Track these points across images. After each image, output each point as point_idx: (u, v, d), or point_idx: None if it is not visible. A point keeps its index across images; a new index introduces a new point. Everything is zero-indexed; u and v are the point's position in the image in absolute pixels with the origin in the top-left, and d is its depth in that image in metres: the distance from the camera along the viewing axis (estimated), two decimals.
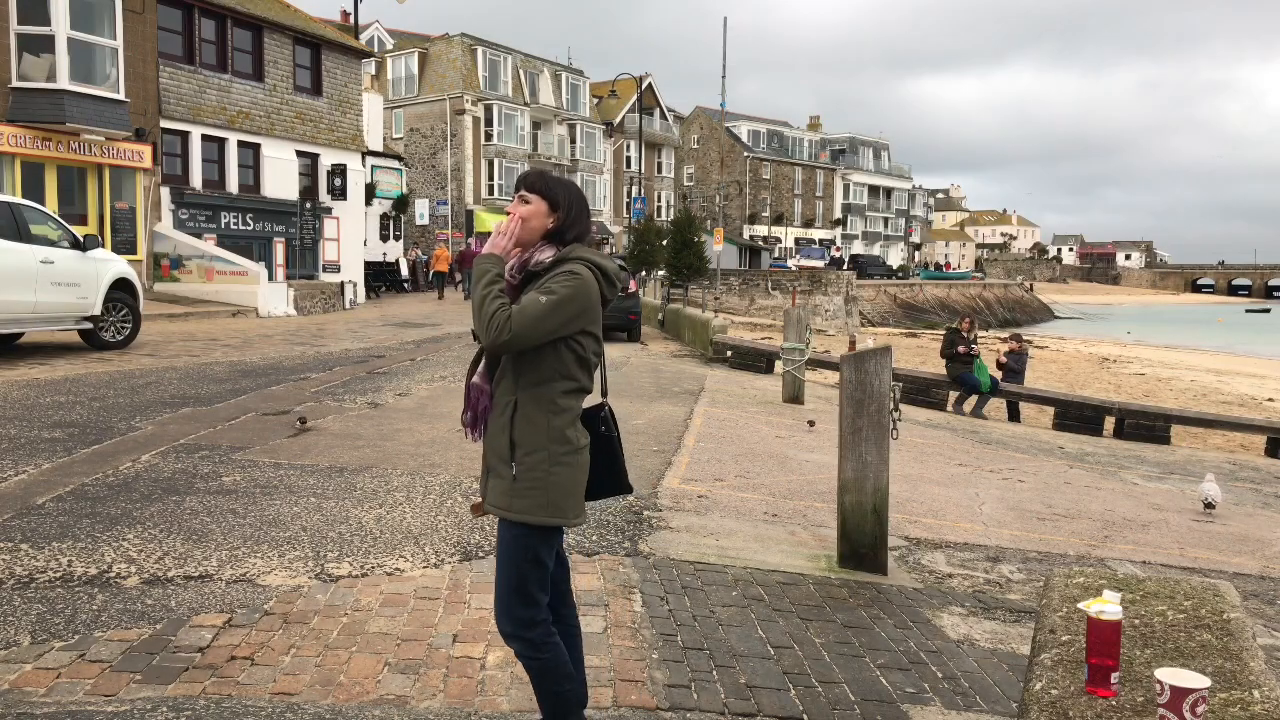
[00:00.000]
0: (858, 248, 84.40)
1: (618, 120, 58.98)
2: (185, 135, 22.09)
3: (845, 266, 60.63)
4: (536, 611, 2.83)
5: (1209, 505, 8.53)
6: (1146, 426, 13.59)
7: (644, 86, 54.03)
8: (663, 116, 65.23)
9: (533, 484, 2.74)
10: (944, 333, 15.99)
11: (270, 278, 21.71)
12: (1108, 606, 2.17)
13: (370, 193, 31.91)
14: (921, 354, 26.65)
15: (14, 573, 4.47)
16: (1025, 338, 17.80)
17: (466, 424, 2.98)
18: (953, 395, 14.85)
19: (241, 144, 23.47)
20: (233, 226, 23.62)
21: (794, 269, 52.96)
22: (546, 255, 2.79)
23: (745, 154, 77.44)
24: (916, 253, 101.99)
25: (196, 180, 22.61)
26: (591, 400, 2.94)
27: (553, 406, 2.74)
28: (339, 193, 26.52)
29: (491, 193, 48.50)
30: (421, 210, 47.20)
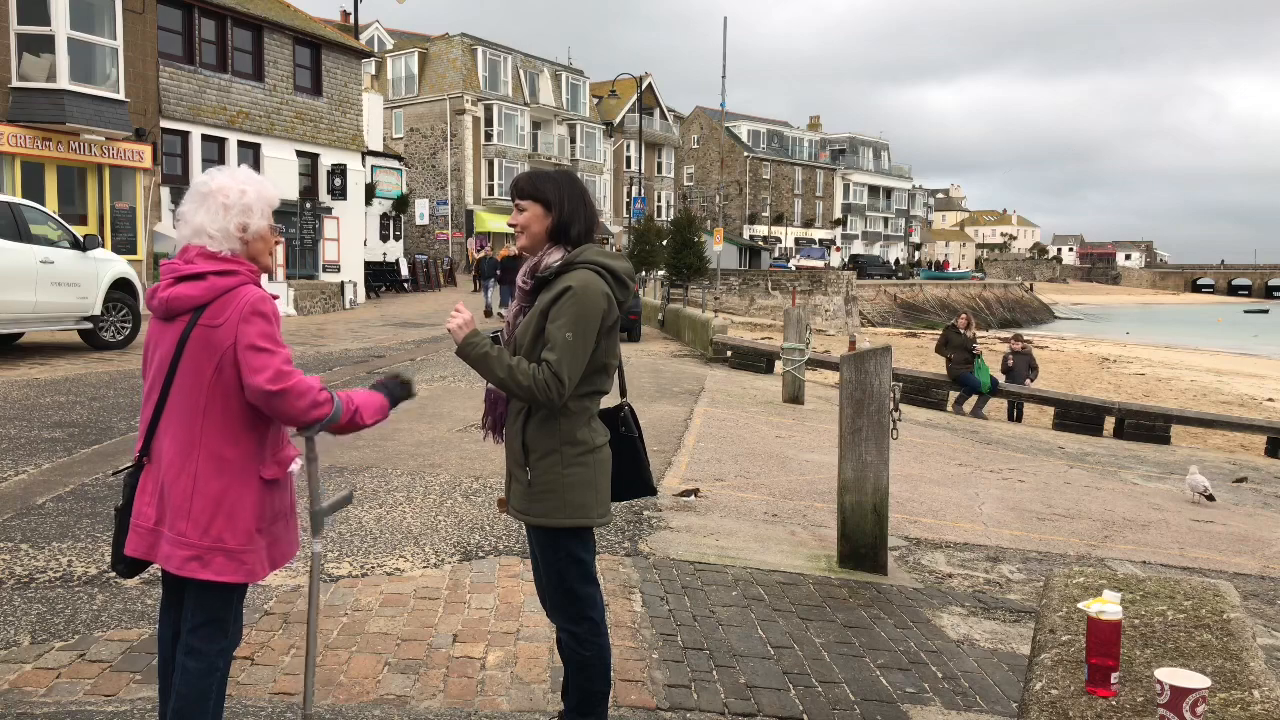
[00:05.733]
0: (858, 248, 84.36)
1: (618, 120, 58.96)
2: (185, 135, 22.07)
3: (846, 266, 60.69)
4: (583, 606, 2.84)
5: (1209, 496, 8.57)
6: (1146, 426, 13.58)
7: (644, 86, 54.01)
8: (663, 116, 65.20)
9: (547, 487, 2.73)
10: (942, 332, 16.00)
11: (270, 277, 21.65)
12: (1108, 606, 2.17)
13: (370, 193, 31.89)
14: (921, 354, 26.64)
15: (14, 573, 4.47)
16: (1025, 337, 17.79)
17: (486, 428, 2.98)
18: (953, 395, 14.85)
19: (241, 144, 23.45)
20: None
21: (794, 269, 52.96)
22: (554, 258, 2.75)
23: (745, 154, 77.42)
24: (917, 252, 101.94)
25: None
26: (612, 401, 2.92)
27: (564, 410, 2.71)
28: (339, 193, 26.50)
29: (491, 193, 48.48)
30: (421, 210, 47.18)
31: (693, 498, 6.55)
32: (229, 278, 2.49)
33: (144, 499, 2.53)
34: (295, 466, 2.68)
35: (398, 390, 2.82)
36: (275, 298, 2.61)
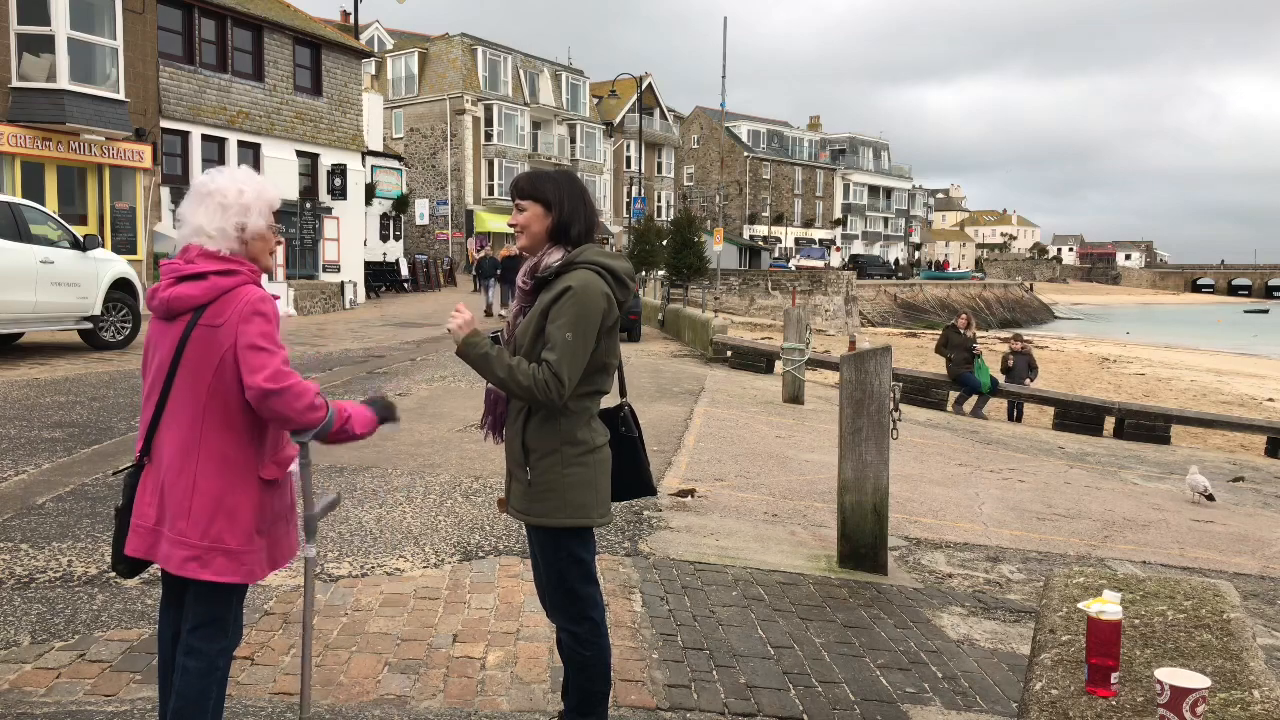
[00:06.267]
0: (858, 248, 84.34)
1: (618, 120, 58.96)
2: (185, 135, 22.07)
3: (846, 266, 60.73)
4: (584, 607, 2.84)
5: (1209, 496, 8.58)
6: (1146, 426, 13.58)
7: (644, 86, 53.99)
8: (663, 116, 65.19)
9: (548, 487, 2.73)
10: (942, 331, 16.01)
11: (270, 278, 21.65)
12: (1108, 606, 2.17)
13: (370, 193, 31.87)
14: (921, 354, 26.64)
15: (14, 573, 4.47)
16: (1025, 338, 17.78)
17: (486, 428, 2.97)
18: (953, 395, 14.85)
19: (241, 144, 23.46)
20: None
21: (794, 269, 52.95)
22: (554, 258, 2.75)
23: (745, 154, 77.40)
24: (917, 252, 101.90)
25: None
26: (612, 400, 2.92)
27: (564, 410, 2.71)
28: (339, 193, 26.49)
29: (491, 193, 48.47)
30: (421, 210, 47.17)
31: (689, 498, 6.54)
32: (230, 277, 2.49)
33: (144, 499, 2.53)
34: (295, 467, 2.69)
35: (383, 410, 2.82)
36: (275, 298, 2.61)
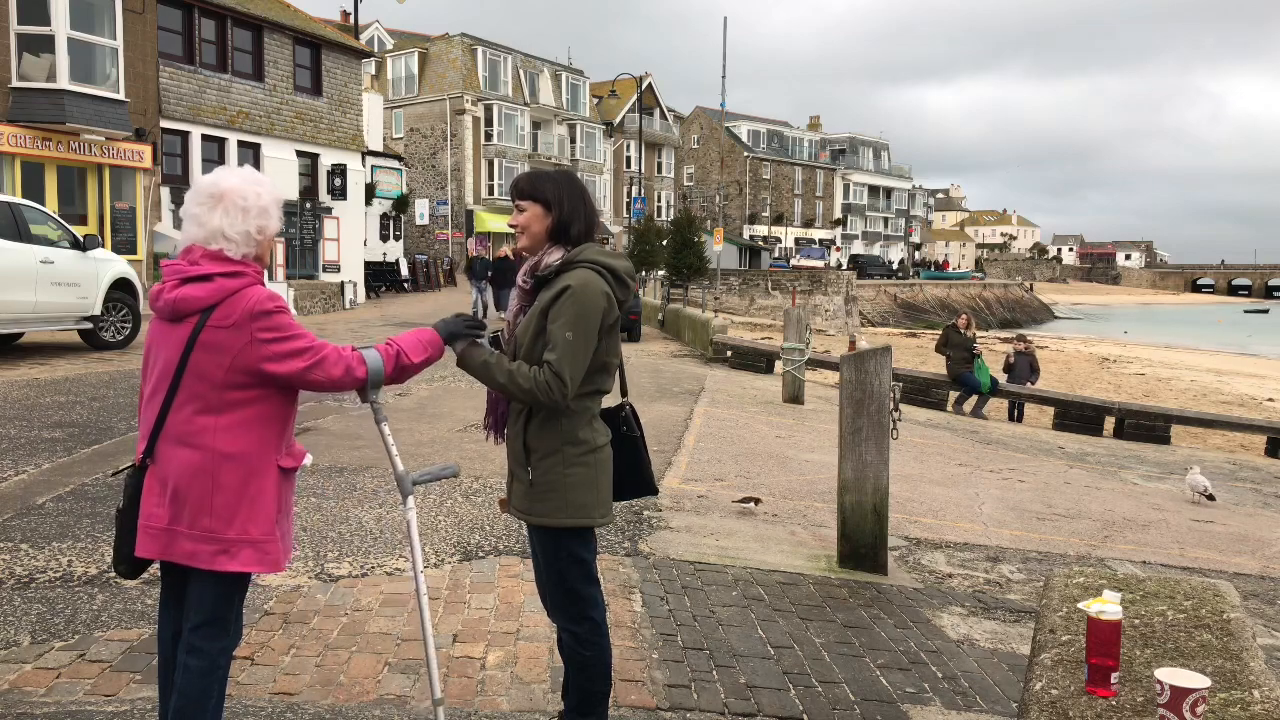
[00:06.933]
0: (858, 248, 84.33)
1: (618, 120, 58.95)
2: (185, 135, 22.07)
3: (845, 266, 60.77)
4: (584, 607, 2.84)
5: (1210, 496, 8.58)
6: (1146, 426, 13.58)
7: (644, 86, 53.99)
8: (663, 116, 65.17)
9: (549, 487, 2.73)
10: (942, 331, 16.02)
11: (270, 277, 21.70)
12: (1108, 606, 2.17)
13: (370, 193, 31.87)
14: (921, 354, 26.64)
15: (14, 573, 4.47)
16: (1028, 338, 17.78)
17: (488, 428, 2.98)
18: (953, 395, 14.85)
19: (241, 144, 23.46)
20: None
21: (793, 269, 52.95)
22: (554, 257, 2.75)
23: (745, 154, 77.39)
24: (918, 252, 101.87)
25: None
26: (613, 400, 2.92)
27: (566, 410, 2.71)
28: (339, 193, 26.49)
29: (491, 193, 48.46)
30: (421, 210, 47.16)
31: (755, 505, 6.52)
32: (237, 279, 2.49)
33: (152, 500, 2.52)
34: (307, 461, 2.71)
35: (456, 325, 2.72)
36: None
